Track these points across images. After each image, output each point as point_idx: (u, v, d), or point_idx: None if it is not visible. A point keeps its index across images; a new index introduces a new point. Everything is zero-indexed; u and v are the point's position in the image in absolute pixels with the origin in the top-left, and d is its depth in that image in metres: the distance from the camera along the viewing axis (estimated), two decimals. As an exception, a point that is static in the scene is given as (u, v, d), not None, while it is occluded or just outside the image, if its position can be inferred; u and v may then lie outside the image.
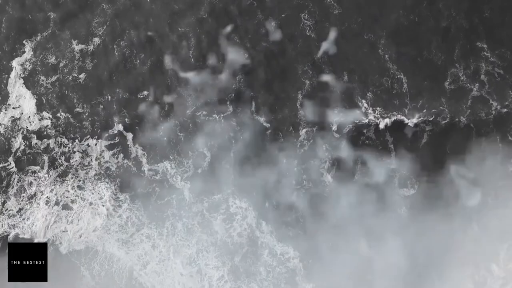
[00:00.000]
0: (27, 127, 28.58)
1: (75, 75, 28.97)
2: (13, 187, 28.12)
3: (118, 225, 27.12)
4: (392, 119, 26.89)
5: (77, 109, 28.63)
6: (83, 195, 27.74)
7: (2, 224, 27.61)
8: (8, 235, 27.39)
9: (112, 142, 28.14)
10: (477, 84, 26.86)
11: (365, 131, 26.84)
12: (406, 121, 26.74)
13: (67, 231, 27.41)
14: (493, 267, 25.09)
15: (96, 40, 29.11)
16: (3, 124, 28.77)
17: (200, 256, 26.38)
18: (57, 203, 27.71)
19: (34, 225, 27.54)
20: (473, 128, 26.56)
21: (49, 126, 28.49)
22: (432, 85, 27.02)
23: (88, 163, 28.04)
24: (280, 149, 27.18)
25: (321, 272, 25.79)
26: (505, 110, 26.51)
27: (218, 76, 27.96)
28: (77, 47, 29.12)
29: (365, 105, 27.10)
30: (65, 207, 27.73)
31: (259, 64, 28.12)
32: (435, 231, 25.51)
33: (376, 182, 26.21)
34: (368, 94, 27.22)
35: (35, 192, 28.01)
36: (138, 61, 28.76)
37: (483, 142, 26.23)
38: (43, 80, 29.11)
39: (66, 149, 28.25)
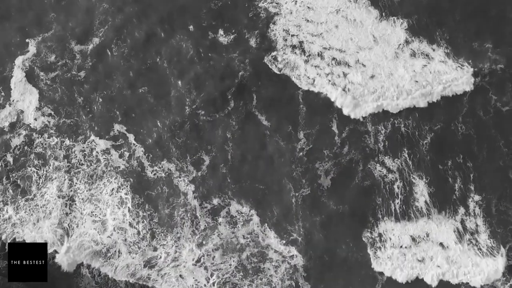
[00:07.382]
0: (29, 124, 29.00)
1: (75, 72, 29.58)
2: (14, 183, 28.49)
3: (129, 228, 27.26)
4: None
5: (78, 104, 29.11)
6: (90, 195, 27.98)
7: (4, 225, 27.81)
8: (10, 234, 27.52)
9: (115, 141, 28.56)
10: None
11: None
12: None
13: (72, 232, 27.57)
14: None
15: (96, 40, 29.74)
16: (7, 122, 29.28)
17: (208, 253, 26.51)
18: (64, 204, 27.99)
19: (38, 223, 27.74)
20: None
21: (52, 123, 28.94)
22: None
23: (95, 161, 28.31)
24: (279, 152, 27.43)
25: (321, 269, 25.98)
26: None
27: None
28: (76, 47, 29.81)
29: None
30: (72, 208, 27.96)
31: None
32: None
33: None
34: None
35: (40, 189, 28.27)
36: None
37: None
38: (43, 75, 29.71)
39: (70, 147, 28.66)
